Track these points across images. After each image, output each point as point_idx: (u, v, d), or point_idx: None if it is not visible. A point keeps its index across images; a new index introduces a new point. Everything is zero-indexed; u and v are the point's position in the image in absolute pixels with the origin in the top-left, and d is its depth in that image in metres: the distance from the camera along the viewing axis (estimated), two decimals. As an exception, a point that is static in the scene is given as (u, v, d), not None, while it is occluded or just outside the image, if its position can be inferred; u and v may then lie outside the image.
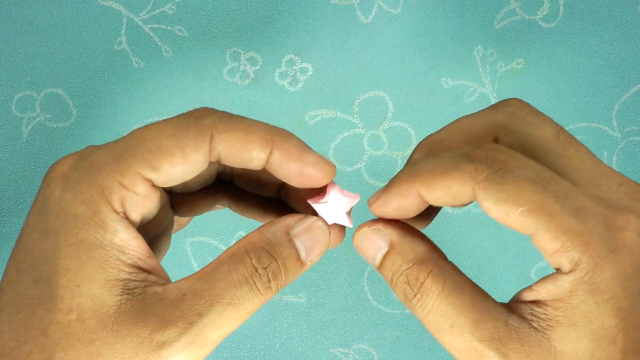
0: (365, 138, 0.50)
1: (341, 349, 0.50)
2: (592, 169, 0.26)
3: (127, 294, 0.24)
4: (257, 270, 0.25)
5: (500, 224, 0.25)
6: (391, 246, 0.27)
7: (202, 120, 0.25)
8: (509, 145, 0.26)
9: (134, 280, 0.24)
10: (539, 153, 0.26)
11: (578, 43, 0.49)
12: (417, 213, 0.27)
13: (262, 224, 0.28)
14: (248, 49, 0.50)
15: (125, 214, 0.24)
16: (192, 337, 0.24)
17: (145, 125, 0.25)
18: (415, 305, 0.25)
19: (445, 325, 0.25)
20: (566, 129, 0.50)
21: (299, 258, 0.26)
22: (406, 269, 0.26)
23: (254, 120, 0.26)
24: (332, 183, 0.28)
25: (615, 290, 0.23)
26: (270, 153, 0.26)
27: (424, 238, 0.27)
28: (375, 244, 0.27)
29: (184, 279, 0.25)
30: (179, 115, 0.26)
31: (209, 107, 0.28)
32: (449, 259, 0.27)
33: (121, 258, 0.24)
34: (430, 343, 0.50)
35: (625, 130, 0.49)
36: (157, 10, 0.50)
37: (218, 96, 0.50)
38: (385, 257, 0.27)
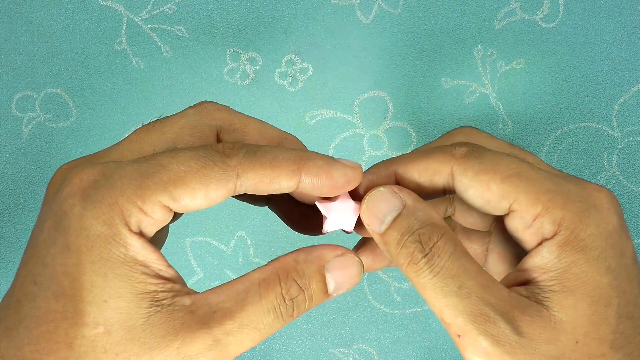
0: (365, 138, 0.50)
1: (341, 349, 0.50)
2: (549, 169, 0.27)
3: (156, 305, 0.24)
4: (285, 301, 0.26)
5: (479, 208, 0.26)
6: (405, 207, 0.27)
7: (228, 159, 0.25)
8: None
9: (162, 291, 0.25)
10: None
11: (578, 43, 0.49)
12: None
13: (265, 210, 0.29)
14: (248, 49, 0.50)
15: (141, 232, 0.25)
16: (217, 353, 0.24)
17: (170, 152, 0.26)
18: (421, 267, 0.25)
19: (454, 286, 0.24)
20: (566, 129, 0.50)
21: (326, 291, 0.27)
22: (419, 228, 0.26)
23: (279, 150, 0.26)
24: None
25: (603, 247, 0.23)
26: (299, 180, 0.26)
27: (435, 208, 0.28)
28: (390, 203, 0.27)
29: (212, 291, 0.25)
30: (205, 146, 0.26)
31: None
32: None
33: (145, 272, 0.25)
34: (430, 343, 0.50)
35: (625, 130, 0.49)
36: (157, 10, 0.50)
37: (218, 96, 0.49)
38: (396, 218, 0.27)
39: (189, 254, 0.50)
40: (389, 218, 0.27)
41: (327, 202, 0.28)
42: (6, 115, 0.50)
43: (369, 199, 0.27)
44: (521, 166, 0.24)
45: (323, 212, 0.28)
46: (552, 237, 0.23)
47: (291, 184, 0.26)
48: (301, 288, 0.26)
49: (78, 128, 0.50)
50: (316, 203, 0.28)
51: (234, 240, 0.50)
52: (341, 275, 0.27)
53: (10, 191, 0.50)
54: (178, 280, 0.25)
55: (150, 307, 0.24)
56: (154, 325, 0.24)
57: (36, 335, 0.24)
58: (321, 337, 0.50)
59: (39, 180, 0.50)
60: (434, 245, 0.25)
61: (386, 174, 0.27)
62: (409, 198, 0.27)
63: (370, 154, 0.50)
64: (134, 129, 0.49)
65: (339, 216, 0.28)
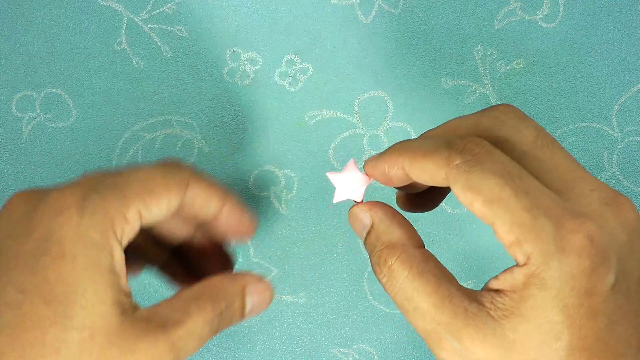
0: (365, 138, 0.50)
1: (341, 349, 0.50)
2: (566, 173, 0.27)
3: (125, 314, 0.27)
4: (216, 315, 0.29)
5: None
6: (372, 226, 0.29)
7: (180, 171, 0.30)
8: None
9: (127, 302, 0.27)
10: (515, 155, 0.27)
11: (578, 43, 0.49)
12: (401, 184, 0.29)
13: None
14: (248, 49, 0.50)
15: (121, 243, 0.27)
16: (174, 356, 0.28)
17: (135, 167, 0.30)
18: (385, 285, 0.28)
19: (410, 307, 0.27)
20: (566, 129, 0.50)
21: (243, 313, 0.31)
22: (379, 250, 0.29)
23: (210, 176, 0.31)
24: (352, 160, 0.31)
25: (561, 288, 0.24)
26: (222, 206, 0.31)
27: (403, 224, 0.29)
28: (361, 222, 0.30)
29: (158, 305, 0.29)
30: (161, 164, 0.30)
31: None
32: (427, 248, 0.29)
33: (120, 282, 0.27)
34: (430, 343, 0.50)
35: (625, 130, 0.49)
36: (157, 10, 0.50)
37: (218, 96, 0.50)
38: (367, 235, 0.30)
39: (189, 254, 0.50)
40: (364, 234, 0.30)
41: (336, 174, 0.30)
42: (6, 115, 0.50)
43: (350, 216, 0.31)
44: (503, 191, 0.25)
45: (333, 182, 0.30)
46: (522, 265, 0.25)
47: (217, 207, 0.31)
48: (227, 306, 0.30)
49: (78, 128, 0.50)
50: (327, 174, 0.31)
51: (234, 240, 0.50)
52: (257, 299, 0.31)
53: (11, 191, 0.50)
54: (131, 295, 0.28)
55: (122, 315, 0.27)
56: (126, 330, 0.26)
57: (21, 342, 0.25)
58: (321, 337, 0.50)
59: (39, 180, 0.50)
60: (389, 267, 0.28)
61: (395, 168, 0.29)
62: (377, 216, 0.29)
63: (370, 154, 0.50)
64: (134, 129, 0.49)
65: (347, 187, 0.30)
